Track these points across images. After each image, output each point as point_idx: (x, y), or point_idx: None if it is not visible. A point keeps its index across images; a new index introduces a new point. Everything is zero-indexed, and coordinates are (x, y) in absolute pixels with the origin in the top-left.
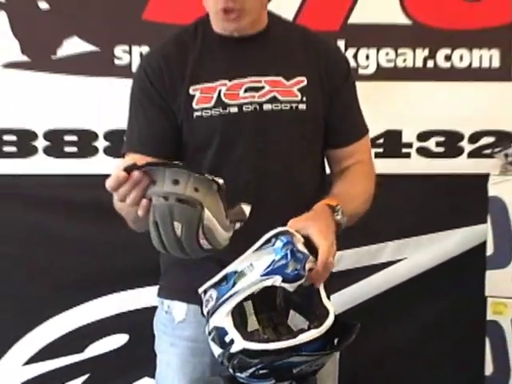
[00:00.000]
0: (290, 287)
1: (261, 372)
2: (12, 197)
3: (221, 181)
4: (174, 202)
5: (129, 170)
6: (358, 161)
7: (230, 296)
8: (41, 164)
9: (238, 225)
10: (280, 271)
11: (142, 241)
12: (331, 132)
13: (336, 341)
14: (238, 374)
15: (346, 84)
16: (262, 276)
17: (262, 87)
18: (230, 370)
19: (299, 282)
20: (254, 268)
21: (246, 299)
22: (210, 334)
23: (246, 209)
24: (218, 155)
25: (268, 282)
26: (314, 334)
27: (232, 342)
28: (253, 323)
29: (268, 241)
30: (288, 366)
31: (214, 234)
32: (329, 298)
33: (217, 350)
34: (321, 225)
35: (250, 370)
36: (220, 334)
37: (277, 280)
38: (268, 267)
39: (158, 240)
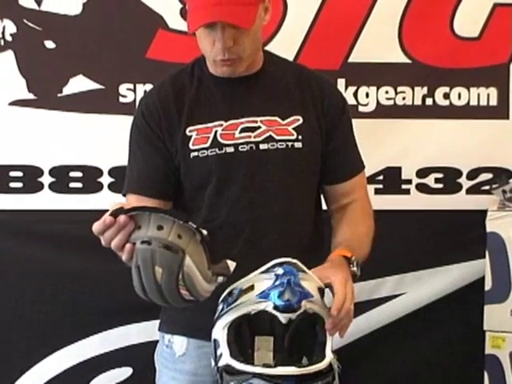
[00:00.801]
0: (281, 317)
1: None
2: (18, 232)
3: (205, 232)
4: (157, 247)
5: (115, 214)
6: (355, 199)
7: (229, 309)
8: (46, 200)
9: (220, 279)
10: (273, 298)
11: None
12: (328, 168)
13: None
14: None
15: (342, 120)
16: (257, 297)
17: (258, 127)
18: None
19: (290, 315)
20: (254, 289)
21: (269, 335)
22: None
23: (231, 264)
24: (215, 194)
25: (261, 306)
26: (288, 370)
27: (221, 355)
28: (268, 358)
29: (274, 266)
30: None
31: (193, 283)
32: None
33: (212, 363)
34: (343, 273)
35: None
36: (215, 347)
37: (269, 305)
38: (264, 291)
39: (139, 284)
